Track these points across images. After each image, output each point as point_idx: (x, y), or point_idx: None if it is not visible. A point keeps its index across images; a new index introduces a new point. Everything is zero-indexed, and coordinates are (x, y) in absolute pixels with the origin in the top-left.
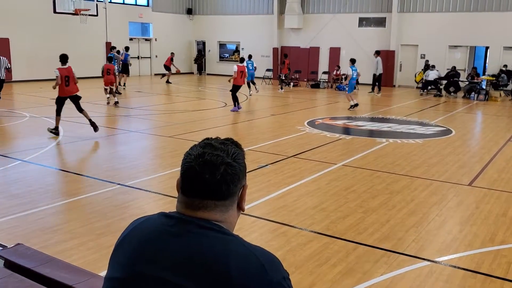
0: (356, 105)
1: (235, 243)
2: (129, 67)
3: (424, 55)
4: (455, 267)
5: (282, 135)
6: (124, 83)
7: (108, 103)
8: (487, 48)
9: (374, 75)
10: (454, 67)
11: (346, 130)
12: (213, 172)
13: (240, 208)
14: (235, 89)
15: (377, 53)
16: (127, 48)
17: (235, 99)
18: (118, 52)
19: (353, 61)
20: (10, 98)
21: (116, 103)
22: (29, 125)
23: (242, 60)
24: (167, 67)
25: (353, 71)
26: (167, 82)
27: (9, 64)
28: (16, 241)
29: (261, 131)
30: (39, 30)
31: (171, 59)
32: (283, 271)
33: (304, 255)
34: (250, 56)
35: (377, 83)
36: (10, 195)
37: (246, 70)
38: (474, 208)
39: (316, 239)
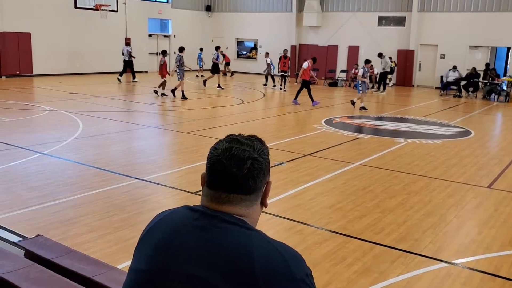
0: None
1: (258, 239)
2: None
3: (444, 55)
4: (473, 269)
5: (299, 133)
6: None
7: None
8: (508, 48)
9: (385, 73)
10: (474, 68)
11: (364, 129)
12: (240, 166)
13: (263, 204)
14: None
15: (381, 55)
16: (217, 48)
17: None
18: (217, 48)
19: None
20: (30, 92)
21: (162, 94)
22: (49, 119)
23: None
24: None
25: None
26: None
27: (131, 51)
28: (35, 232)
29: (277, 129)
30: (60, 25)
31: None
32: (306, 267)
33: (320, 254)
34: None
35: (382, 82)
36: (30, 187)
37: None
38: (493, 211)
39: (332, 238)
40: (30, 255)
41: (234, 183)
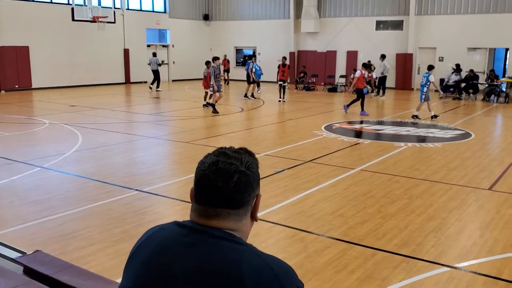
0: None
1: (248, 253)
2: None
3: (443, 57)
4: (475, 273)
5: (299, 139)
6: (254, 94)
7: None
8: (507, 49)
9: (384, 78)
10: (472, 70)
11: (364, 134)
12: (227, 180)
13: (253, 218)
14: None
15: (383, 57)
16: (250, 57)
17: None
18: (250, 57)
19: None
20: (30, 106)
21: (207, 104)
22: (49, 132)
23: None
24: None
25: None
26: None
27: (160, 61)
28: (35, 247)
29: (278, 136)
30: (58, 38)
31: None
32: (298, 281)
33: (321, 261)
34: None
35: (381, 86)
36: (29, 202)
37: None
38: (494, 213)
39: (334, 245)
40: (29, 272)
41: (221, 197)
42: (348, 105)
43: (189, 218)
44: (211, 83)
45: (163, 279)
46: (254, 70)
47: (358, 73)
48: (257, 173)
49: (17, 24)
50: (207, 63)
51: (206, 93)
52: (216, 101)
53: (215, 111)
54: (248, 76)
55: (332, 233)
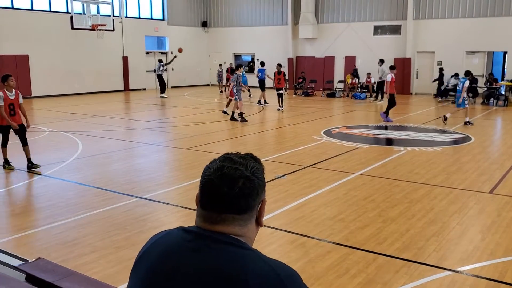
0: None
1: (253, 258)
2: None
3: (441, 61)
4: (477, 276)
5: (299, 145)
6: (261, 100)
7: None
8: (505, 53)
9: (382, 82)
10: (471, 74)
11: (364, 139)
12: (231, 185)
13: (258, 223)
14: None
15: (382, 61)
16: (262, 63)
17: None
18: (262, 64)
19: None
20: (29, 114)
21: (240, 114)
22: (49, 140)
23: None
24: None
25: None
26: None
27: (165, 66)
28: (37, 255)
29: (278, 141)
30: (57, 46)
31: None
32: (303, 285)
33: (323, 266)
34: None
35: (380, 91)
36: (31, 210)
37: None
38: (495, 216)
39: (335, 250)
40: (31, 279)
41: (226, 202)
42: (386, 114)
43: (192, 224)
44: (234, 90)
45: (169, 284)
46: (255, 76)
47: (389, 77)
48: (263, 178)
49: (16, 33)
50: (232, 71)
51: (230, 100)
52: (238, 109)
53: (243, 120)
54: (262, 82)
55: (333, 237)
